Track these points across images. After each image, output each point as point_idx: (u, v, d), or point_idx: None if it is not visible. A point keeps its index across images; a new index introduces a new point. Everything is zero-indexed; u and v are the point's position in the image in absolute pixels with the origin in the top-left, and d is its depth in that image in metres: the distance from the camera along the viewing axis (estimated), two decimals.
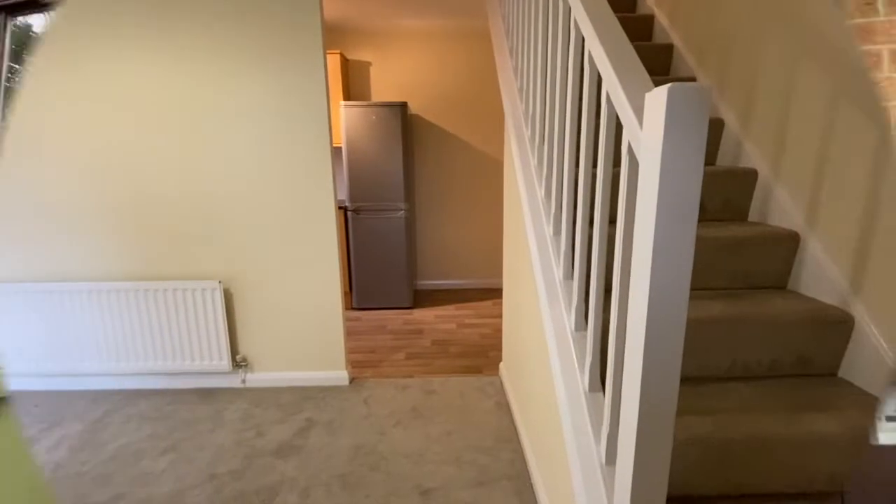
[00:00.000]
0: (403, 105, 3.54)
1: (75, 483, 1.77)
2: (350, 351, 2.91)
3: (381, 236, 3.69)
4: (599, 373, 1.03)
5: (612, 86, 0.81)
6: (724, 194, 1.54)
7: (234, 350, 2.47)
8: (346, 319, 2.57)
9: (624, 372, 0.76)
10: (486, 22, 3.78)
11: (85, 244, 2.36)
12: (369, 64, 4.04)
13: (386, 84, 4.07)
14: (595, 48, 0.89)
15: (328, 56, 3.66)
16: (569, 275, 1.24)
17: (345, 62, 3.92)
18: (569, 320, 1.16)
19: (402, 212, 3.65)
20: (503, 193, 2.41)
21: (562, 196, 1.23)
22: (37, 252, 2.37)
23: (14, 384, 2.51)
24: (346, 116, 3.52)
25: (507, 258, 2.32)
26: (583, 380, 1.06)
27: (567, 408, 1.06)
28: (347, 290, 3.88)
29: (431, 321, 3.48)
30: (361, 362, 2.79)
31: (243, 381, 2.51)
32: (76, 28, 2.15)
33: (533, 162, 1.59)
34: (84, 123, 2.25)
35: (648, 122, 0.67)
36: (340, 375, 2.50)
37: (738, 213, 1.56)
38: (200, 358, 2.42)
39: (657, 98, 0.64)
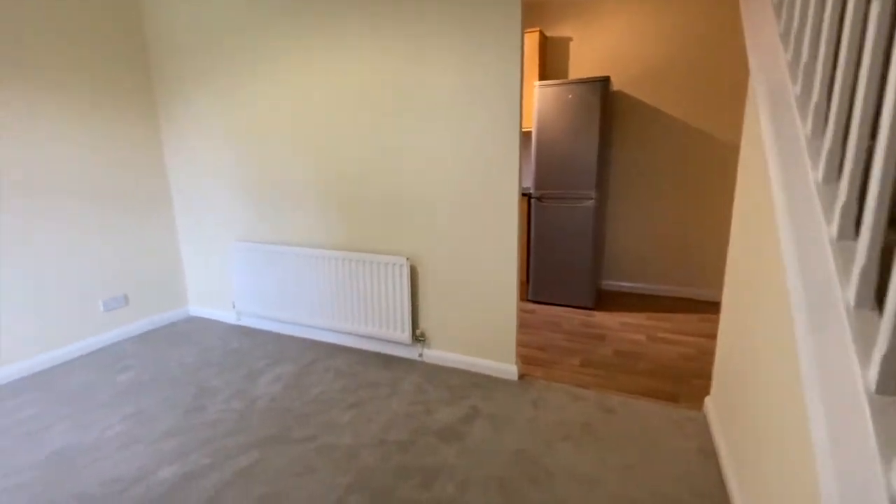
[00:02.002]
0: (605, 80, 3.15)
1: (283, 417, 2.09)
2: (520, 344, 2.77)
3: (565, 227, 3.41)
4: None
5: None
6: None
7: (414, 324, 2.59)
8: (520, 311, 2.42)
9: None
10: None
11: (307, 217, 2.80)
12: (569, 40, 3.74)
13: (586, 59, 3.70)
14: None
15: (526, 35, 3.52)
16: (867, 302, 0.80)
17: (543, 40, 3.71)
18: (865, 373, 0.74)
19: (592, 201, 3.28)
20: (733, 182, 1.86)
21: (869, 181, 0.79)
22: (277, 221, 2.92)
23: (255, 323, 3.19)
24: (539, 97, 3.32)
25: (736, 266, 1.79)
26: (891, 477, 0.65)
27: None
28: (524, 279, 3.75)
29: (615, 327, 3.06)
30: (531, 359, 2.62)
31: (420, 355, 2.62)
32: (298, 19, 2.50)
33: (803, 131, 1.11)
34: (307, 115, 2.63)
35: None
36: (509, 369, 2.37)
37: None
38: (386, 327, 2.62)
39: None
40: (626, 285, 3.88)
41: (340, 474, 1.70)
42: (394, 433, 1.95)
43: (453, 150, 2.30)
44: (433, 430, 1.96)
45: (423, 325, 2.60)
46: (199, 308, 3.47)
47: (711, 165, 3.42)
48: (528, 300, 3.63)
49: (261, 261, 2.95)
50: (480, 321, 2.42)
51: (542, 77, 3.72)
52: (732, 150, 3.25)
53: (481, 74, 2.16)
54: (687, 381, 2.32)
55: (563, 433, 1.91)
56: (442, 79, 2.25)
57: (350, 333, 2.79)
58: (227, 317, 3.32)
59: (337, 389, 2.33)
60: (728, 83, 3.26)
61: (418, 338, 2.60)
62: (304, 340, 2.95)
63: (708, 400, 2.03)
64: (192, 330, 3.20)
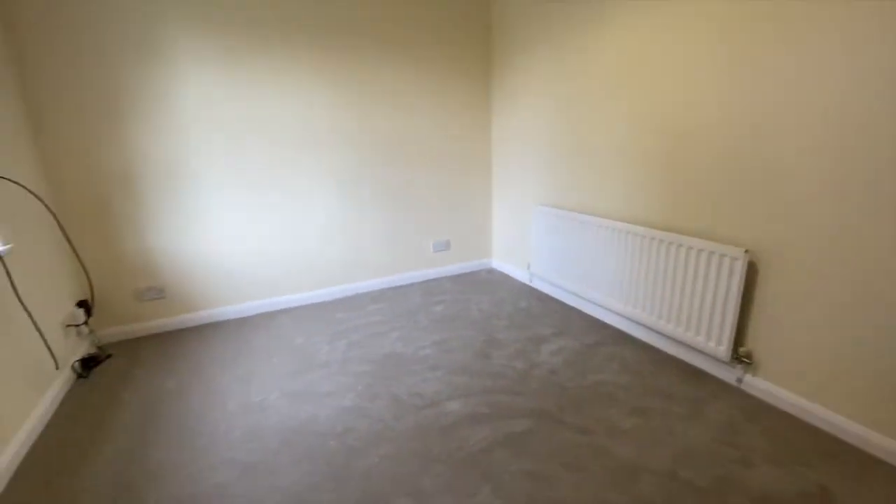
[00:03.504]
0: None
1: (559, 394, 1.97)
2: None
3: None
4: None
5: None
6: None
7: (738, 339, 1.97)
8: None
9: None
10: None
11: (617, 187, 2.46)
12: None
13: None
14: None
15: None
16: None
17: None
18: None
19: None
20: None
21: None
22: (583, 189, 2.71)
23: (545, 288, 3.18)
24: None
25: None
26: None
27: None
28: None
29: None
30: None
31: (738, 381, 1.99)
32: None
33: None
34: (633, 71, 2.20)
35: None
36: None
37: None
38: (696, 331, 2.09)
39: None
40: None
41: (616, 492, 1.45)
42: (689, 470, 1.53)
43: (851, 90, 1.46)
44: (750, 495, 1.42)
45: (752, 343, 1.93)
46: (499, 262, 3.77)
47: None
48: None
49: (560, 228, 2.86)
50: (863, 365, 1.58)
51: None
52: None
53: None
54: None
55: None
56: None
57: (644, 325, 2.39)
58: (521, 276, 3.47)
59: (620, 385, 2.03)
60: None
61: (741, 357, 1.96)
62: (590, 318, 2.74)
63: None
64: (491, 280, 3.50)
